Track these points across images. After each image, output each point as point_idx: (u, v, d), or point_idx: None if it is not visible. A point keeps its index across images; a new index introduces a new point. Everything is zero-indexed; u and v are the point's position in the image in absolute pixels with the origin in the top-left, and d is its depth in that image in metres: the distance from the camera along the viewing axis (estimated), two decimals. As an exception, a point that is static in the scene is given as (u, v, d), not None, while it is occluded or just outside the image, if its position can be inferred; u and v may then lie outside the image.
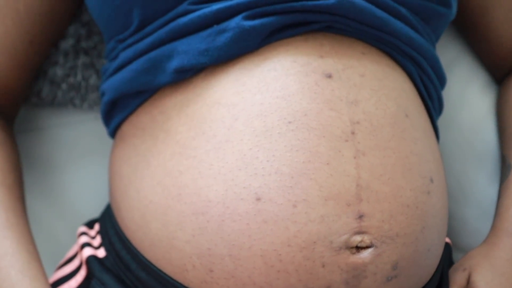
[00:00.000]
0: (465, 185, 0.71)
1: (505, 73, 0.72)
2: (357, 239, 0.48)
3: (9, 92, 0.65)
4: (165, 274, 0.52)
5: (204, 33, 0.52)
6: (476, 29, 0.71)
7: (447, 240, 0.63)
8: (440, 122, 0.66)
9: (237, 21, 0.51)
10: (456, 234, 0.71)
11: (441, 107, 0.62)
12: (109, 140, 0.67)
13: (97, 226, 0.62)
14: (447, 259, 0.60)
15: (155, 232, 0.52)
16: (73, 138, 0.73)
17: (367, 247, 0.48)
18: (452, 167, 0.71)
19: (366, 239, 0.48)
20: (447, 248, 0.61)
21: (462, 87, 0.73)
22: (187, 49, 0.52)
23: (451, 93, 0.72)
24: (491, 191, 0.68)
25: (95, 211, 0.71)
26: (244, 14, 0.51)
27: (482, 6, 0.69)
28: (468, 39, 0.74)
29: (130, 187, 0.55)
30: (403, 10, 0.54)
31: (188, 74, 0.53)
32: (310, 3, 0.51)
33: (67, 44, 0.69)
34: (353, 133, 0.49)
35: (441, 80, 0.60)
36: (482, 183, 0.70)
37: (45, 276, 0.55)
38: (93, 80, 0.70)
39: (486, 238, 0.61)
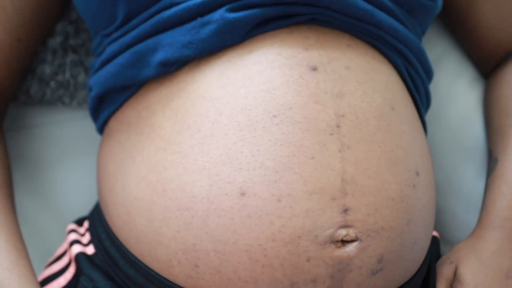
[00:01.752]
0: (453, 179, 0.71)
1: (492, 67, 0.72)
2: (342, 233, 0.47)
3: (-3, 90, 0.65)
4: (151, 270, 0.52)
5: (188, 26, 0.51)
6: (463, 23, 0.71)
7: (435, 233, 0.63)
8: (428, 117, 0.66)
9: (220, 13, 0.50)
10: (444, 228, 0.71)
11: (429, 101, 0.62)
12: (98, 138, 0.67)
13: (86, 224, 0.62)
14: (435, 253, 0.60)
15: (140, 228, 0.52)
16: (63, 136, 0.73)
17: (352, 241, 0.48)
18: (440, 162, 0.71)
19: (351, 233, 0.48)
20: (435, 242, 0.61)
21: (449, 83, 0.73)
22: (171, 42, 0.52)
23: (438, 88, 0.72)
24: (479, 185, 0.68)
25: (85, 209, 0.71)
26: (228, 6, 0.51)
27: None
28: (455, 34, 0.74)
29: (115, 184, 0.55)
30: (388, 2, 0.54)
31: (172, 68, 0.52)
32: None
33: (55, 41, 0.69)
34: (338, 126, 0.49)
35: (428, 74, 0.60)
36: (470, 177, 0.70)
37: (33, 274, 0.55)
38: (81, 77, 0.70)
39: (473, 232, 0.61)
